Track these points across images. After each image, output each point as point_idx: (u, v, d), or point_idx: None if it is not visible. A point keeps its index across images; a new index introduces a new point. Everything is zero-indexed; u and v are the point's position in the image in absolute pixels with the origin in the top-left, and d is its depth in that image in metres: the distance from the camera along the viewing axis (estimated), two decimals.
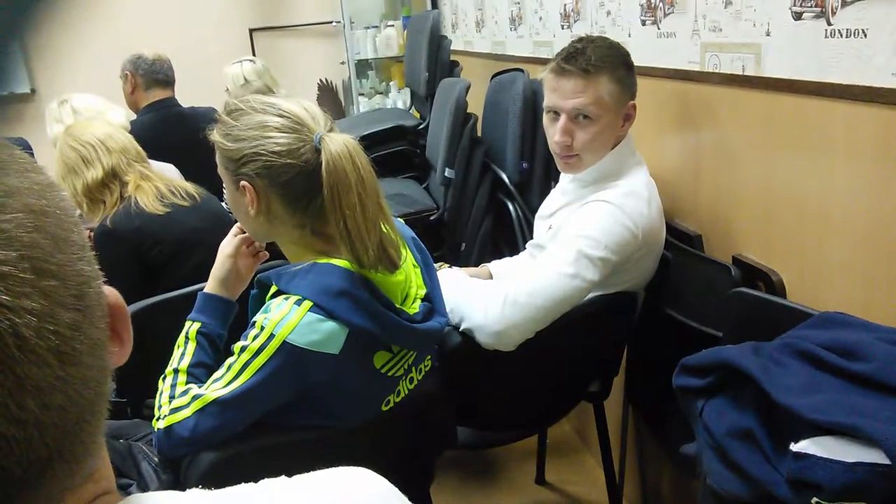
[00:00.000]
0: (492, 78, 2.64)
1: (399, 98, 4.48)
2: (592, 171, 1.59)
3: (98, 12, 4.42)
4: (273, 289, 1.13)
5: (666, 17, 1.68)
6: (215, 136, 1.14)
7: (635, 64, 1.60)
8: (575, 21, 2.25)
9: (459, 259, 2.41)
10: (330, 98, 5.00)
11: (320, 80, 4.95)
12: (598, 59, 1.49)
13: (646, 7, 1.77)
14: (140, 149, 2.01)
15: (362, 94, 4.60)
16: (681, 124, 1.70)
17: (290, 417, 1.15)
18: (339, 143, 1.06)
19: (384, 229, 1.09)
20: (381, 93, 4.68)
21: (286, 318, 1.04)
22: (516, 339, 1.41)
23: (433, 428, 1.39)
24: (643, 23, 1.80)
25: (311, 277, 1.07)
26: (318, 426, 1.18)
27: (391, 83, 4.60)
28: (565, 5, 2.31)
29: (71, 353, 0.38)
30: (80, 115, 2.38)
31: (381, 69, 4.79)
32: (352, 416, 1.18)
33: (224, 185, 1.19)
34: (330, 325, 1.06)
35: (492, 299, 1.41)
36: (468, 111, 2.53)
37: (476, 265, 1.98)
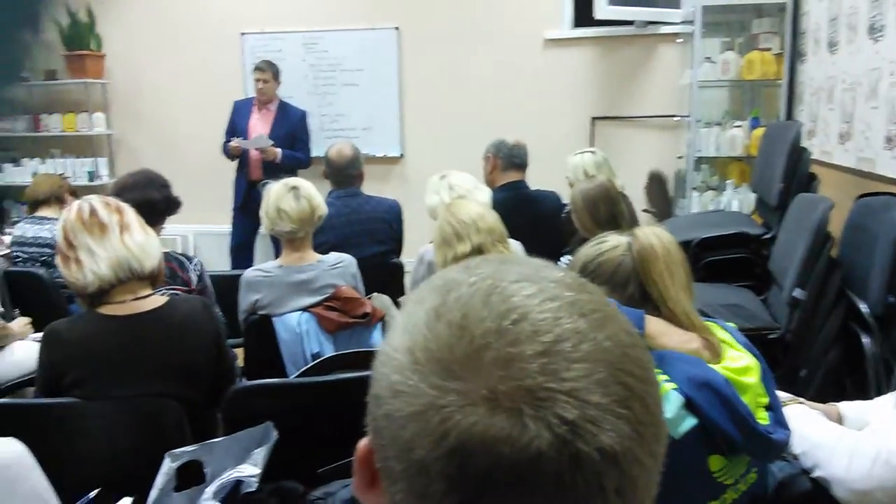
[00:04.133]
0: (857, 198, 2.47)
1: (735, 197, 4.35)
2: None
3: (464, 95, 5.03)
4: None
5: None
6: None
7: None
8: None
9: (796, 387, 2.25)
10: (658, 189, 5.03)
11: (652, 171, 5.01)
12: None
13: None
14: (503, 230, 2.24)
15: (695, 189, 4.55)
16: None
17: None
18: (647, 231, 1.32)
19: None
20: (713, 188, 4.59)
21: None
22: (882, 503, 1.29)
23: None
24: None
25: (680, 364, 1.13)
26: None
27: (727, 181, 4.49)
28: None
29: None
30: (454, 190, 2.73)
31: (717, 165, 4.71)
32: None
33: None
34: (682, 410, 1.10)
35: (859, 452, 1.31)
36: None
37: (816, 397, 1.85)
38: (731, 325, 1.32)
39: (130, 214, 1.80)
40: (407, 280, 3.25)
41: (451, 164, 3.12)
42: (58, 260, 1.76)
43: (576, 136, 4.90)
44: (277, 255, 4.51)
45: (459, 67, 5.03)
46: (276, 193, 2.35)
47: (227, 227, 4.84)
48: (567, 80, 5.00)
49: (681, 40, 4.75)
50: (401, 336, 0.47)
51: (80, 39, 5.17)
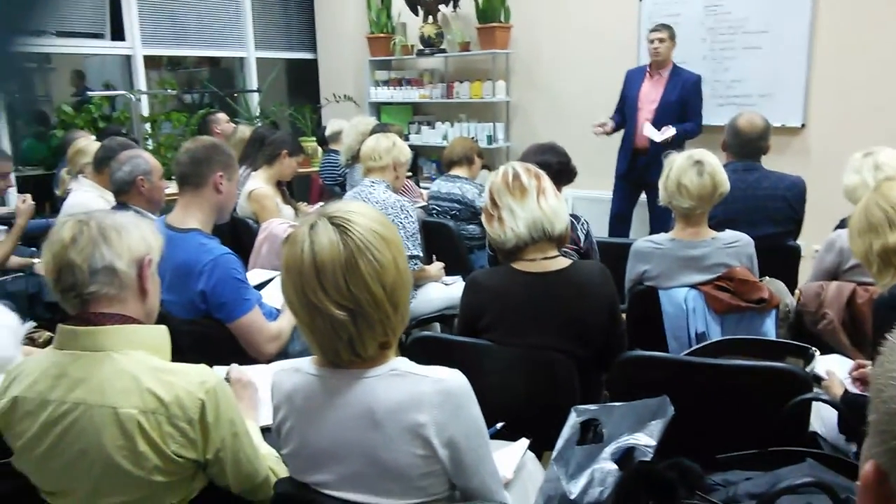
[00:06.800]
0: None
1: None
2: None
3: None
4: None
5: None
6: None
7: None
8: None
9: None
10: None
11: None
12: None
13: None
14: None
15: None
16: None
17: None
18: None
19: None
20: None
21: None
22: None
23: None
24: None
25: None
26: None
27: None
28: None
29: None
30: (881, 170, 2.38)
31: None
32: None
33: None
34: None
35: None
36: None
37: None
38: None
39: (546, 180, 1.95)
40: (804, 266, 2.96)
41: (867, 139, 2.73)
42: (483, 217, 1.99)
43: None
44: (654, 225, 4.53)
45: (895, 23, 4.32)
46: (678, 166, 2.31)
47: (605, 194, 4.93)
48: None
49: None
50: None
51: (493, 13, 5.67)
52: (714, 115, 4.72)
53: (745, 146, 2.99)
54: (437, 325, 3.45)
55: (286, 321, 2.24)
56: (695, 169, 2.28)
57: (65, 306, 1.37)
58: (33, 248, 3.77)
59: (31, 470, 1.37)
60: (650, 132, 4.42)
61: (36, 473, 1.37)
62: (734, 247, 2.34)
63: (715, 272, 2.32)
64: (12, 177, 3.45)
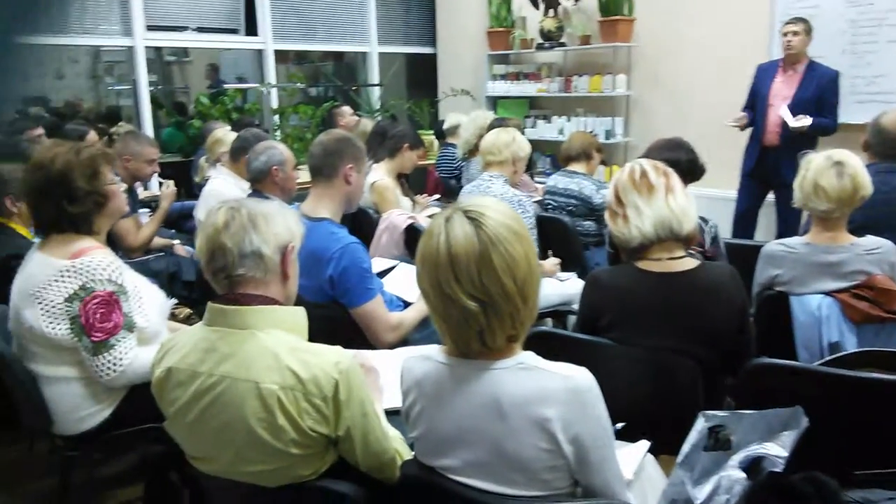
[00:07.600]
0: None
1: None
2: None
3: None
4: None
5: None
6: None
7: None
8: None
9: None
10: None
11: None
12: None
13: None
14: None
15: None
16: None
17: None
18: None
19: None
20: None
21: None
22: None
23: None
24: None
25: None
26: None
27: None
28: None
29: None
30: None
31: None
32: None
33: None
34: None
35: None
36: None
37: None
38: None
39: (675, 178, 1.90)
40: None
41: None
42: (606, 215, 1.97)
43: None
44: (782, 226, 4.31)
45: None
46: (816, 167, 2.20)
47: (728, 192, 4.73)
48: None
49: None
50: None
51: (616, 5, 5.55)
52: (853, 112, 4.43)
53: (890, 146, 2.80)
54: (550, 321, 3.45)
55: (413, 313, 2.31)
56: (834, 170, 2.17)
57: (215, 286, 1.48)
58: (172, 231, 4.06)
59: (181, 436, 1.49)
60: (786, 114, 4.19)
61: (185, 439, 1.49)
62: (875, 253, 2.21)
63: (853, 279, 2.20)
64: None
